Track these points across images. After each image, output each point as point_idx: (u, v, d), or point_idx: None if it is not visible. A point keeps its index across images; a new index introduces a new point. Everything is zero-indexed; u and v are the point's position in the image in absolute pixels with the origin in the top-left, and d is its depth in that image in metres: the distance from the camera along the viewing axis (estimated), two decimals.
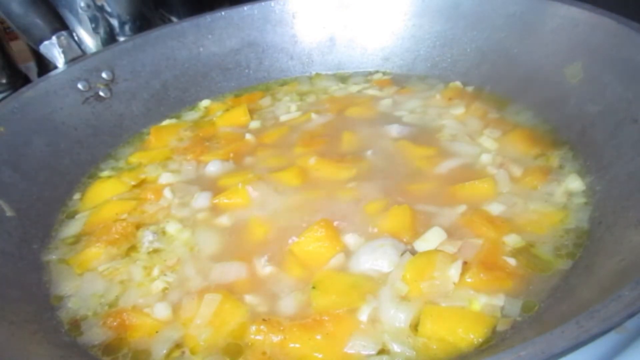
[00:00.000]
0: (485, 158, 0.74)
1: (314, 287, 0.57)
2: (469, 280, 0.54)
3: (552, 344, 0.33)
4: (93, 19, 1.14)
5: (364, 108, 0.92)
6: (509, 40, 0.89)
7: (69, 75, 0.90)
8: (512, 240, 0.59)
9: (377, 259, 0.59)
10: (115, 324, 0.58)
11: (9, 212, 0.72)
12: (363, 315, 0.54)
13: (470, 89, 0.91)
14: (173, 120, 0.99)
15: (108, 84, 0.94)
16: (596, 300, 0.38)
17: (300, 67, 1.06)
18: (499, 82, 0.88)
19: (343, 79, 1.04)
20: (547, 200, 0.65)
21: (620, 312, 0.35)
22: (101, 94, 0.93)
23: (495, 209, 0.64)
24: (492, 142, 0.77)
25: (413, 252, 0.59)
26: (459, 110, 0.86)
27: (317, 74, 1.06)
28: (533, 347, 0.33)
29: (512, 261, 0.57)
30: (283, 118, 0.94)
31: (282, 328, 0.53)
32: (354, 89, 1.00)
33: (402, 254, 0.59)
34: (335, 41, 1.06)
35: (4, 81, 1.23)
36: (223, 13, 1.03)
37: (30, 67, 1.35)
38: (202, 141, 0.90)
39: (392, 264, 0.58)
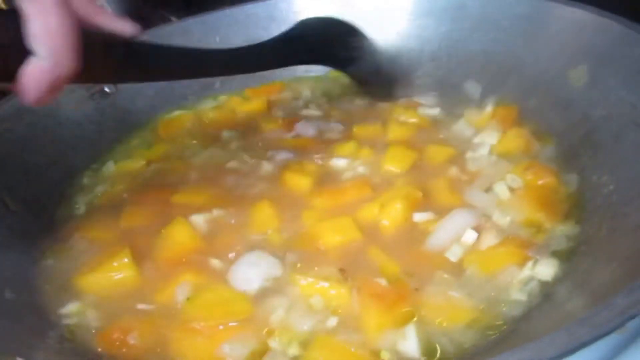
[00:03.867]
0: (469, 236, 0.62)
1: None
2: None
3: (541, 351, 0.33)
4: None
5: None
6: (515, 42, 0.88)
7: None
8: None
9: None
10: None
11: (12, 207, 0.72)
12: None
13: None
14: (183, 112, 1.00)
15: None
16: (589, 307, 0.37)
17: (304, 66, 1.06)
18: (503, 83, 0.88)
19: None
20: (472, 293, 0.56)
21: (611, 319, 0.34)
22: (106, 89, 0.94)
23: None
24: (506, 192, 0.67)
25: None
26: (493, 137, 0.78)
27: None
28: (521, 354, 0.33)
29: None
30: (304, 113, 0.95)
31: None
32: None
33: None
34: None
35: None
36: (228, 11, 1.03)
37: None
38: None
39: None
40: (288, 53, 0.82)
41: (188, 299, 0.58)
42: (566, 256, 0.57)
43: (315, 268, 0.60)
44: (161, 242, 0.67)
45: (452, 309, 0.54)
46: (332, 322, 0.54)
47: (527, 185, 0.68)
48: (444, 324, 0.53)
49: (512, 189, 0.68)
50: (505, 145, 0.76)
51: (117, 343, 0.56)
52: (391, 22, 1.02)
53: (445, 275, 0.57)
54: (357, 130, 0.86)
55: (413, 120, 0.87)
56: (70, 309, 0.61)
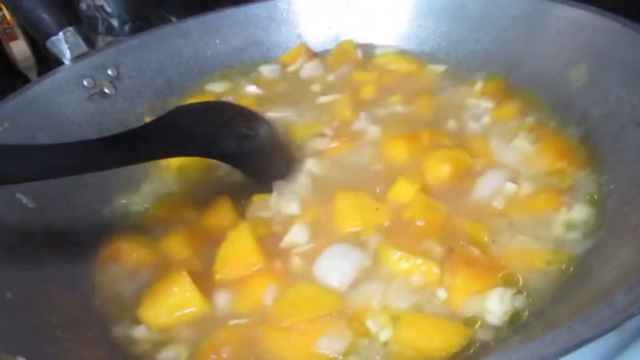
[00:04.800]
0: (508, 187, 0.66)
1: None
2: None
3: (542, 349, 0.33)
4: (93, 19, 1.14)
5: None
6: (515, 42, 0.88)
7: (74, 72, 0.91)
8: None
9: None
10: None
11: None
12: None
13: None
14: None
15: (113, 81, 0.94)
16: (591, 305, 0.37)
17: None
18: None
19: None
20: (539, 235, 0.60)
21: (612, 317, 0.34)
22: (106, 90, 0.94)
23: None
24: (528, 145, 0.72)
25: None
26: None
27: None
28: (522, 353, 0.33)
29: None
30: None
31: None
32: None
33: None
34: (340, 41, 1.06)
35: (4, 81, 1.23)
36: (228, 12, 1.03)
37: (30, 68, 1.35)
38: None
39: None
40: (156, 143, 0.67)
41: (275, 300, 0.57)
42: (598, 198, 0.62)
43: (401, 241, 0.59)
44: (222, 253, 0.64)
45: (529, 253, 0.57)
46: (424, 296, 0.54)
47: (538, 139, 0.72)
48: (526, 274, 0.55)
49: (531, 143, 0.72)
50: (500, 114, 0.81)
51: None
52: (391, 22, 1.02)
53: (506, 223, 0.61)
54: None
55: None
56: (140, 337, 0.58)
